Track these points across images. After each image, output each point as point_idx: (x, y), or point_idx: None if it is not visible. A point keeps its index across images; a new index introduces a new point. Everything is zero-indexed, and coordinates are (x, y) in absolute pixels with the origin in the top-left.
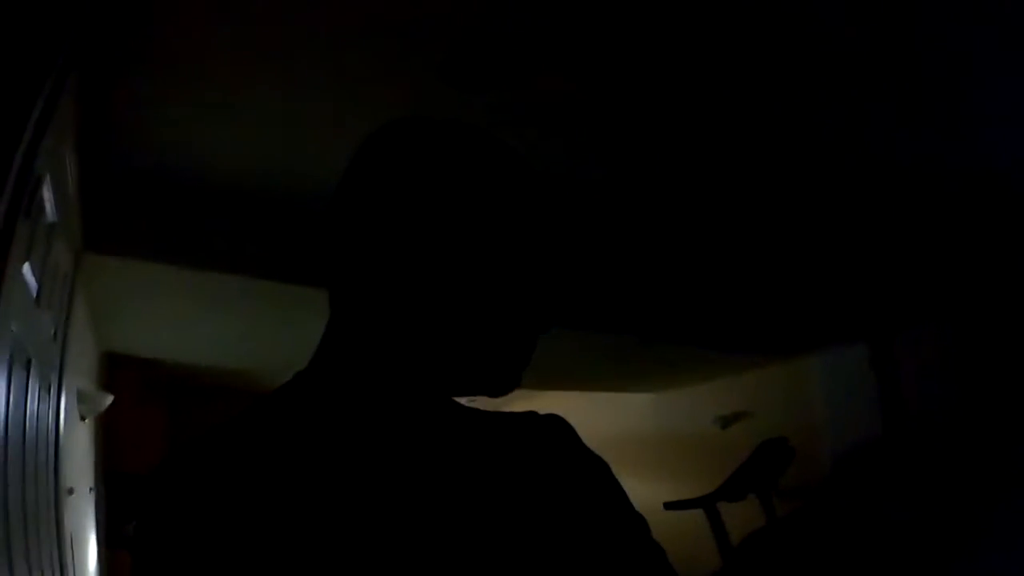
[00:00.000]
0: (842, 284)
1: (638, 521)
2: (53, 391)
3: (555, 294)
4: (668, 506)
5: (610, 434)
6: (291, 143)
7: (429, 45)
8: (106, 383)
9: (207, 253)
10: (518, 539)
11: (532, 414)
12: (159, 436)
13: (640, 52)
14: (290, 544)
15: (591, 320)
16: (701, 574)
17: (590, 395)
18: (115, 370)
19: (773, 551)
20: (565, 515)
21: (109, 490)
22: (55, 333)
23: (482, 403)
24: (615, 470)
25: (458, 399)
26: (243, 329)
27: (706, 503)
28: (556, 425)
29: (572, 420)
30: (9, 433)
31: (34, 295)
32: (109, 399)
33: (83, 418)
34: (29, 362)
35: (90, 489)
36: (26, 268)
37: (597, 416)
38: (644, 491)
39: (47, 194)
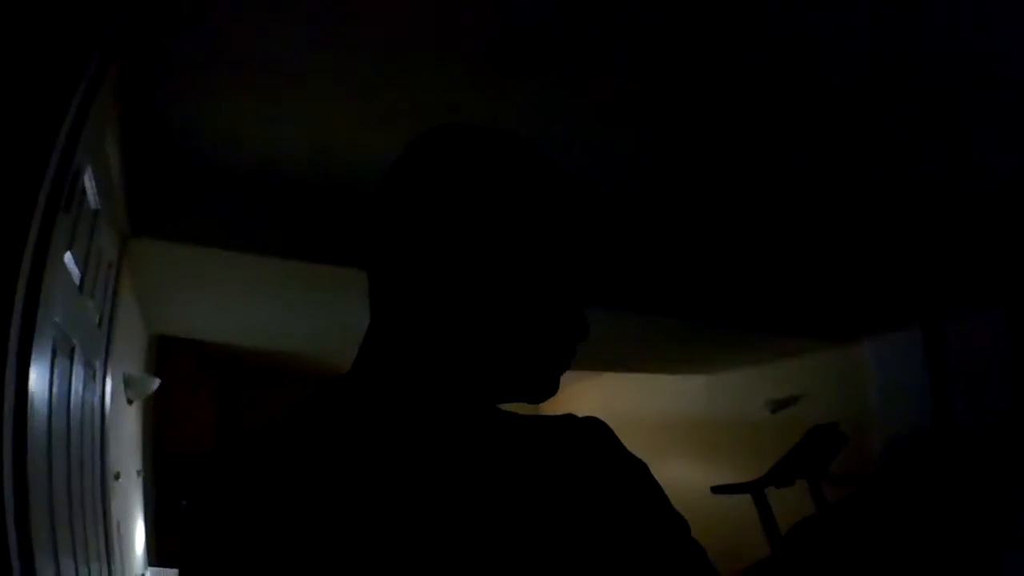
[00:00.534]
0: (896, 267)
1: (679, 522)
2: (99, 377)
3: (591, 301)
4: (716, 490)
5: (660, 416)
6: (338, 130)
7: (477, 30)
8: (156, 366)
9: (253, 237)
10: (559, 542)
11: (571, 417)
12: (210, 417)
13: (686, 47)
14: (332, 545)
15: (644, 302)
16: (748, 561)
17: (641, 377)
18: (166, 353)
19: (822, 540)
20: (605, 518)
21: (159, 472)
22: (100, 319)
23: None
24: (664, 452)
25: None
26: (288, 312)
27: (754, 488)
28: (595, 428)
29: (623, 402)
30: (53, 421)
31: (78, 283)
32: (156, 383)
33: (130, 402)
34: (73, 350)
35: (138, 472)
36: (68, 257)
37: (647, 398)
38: (693, 474)
39: (88, 183)
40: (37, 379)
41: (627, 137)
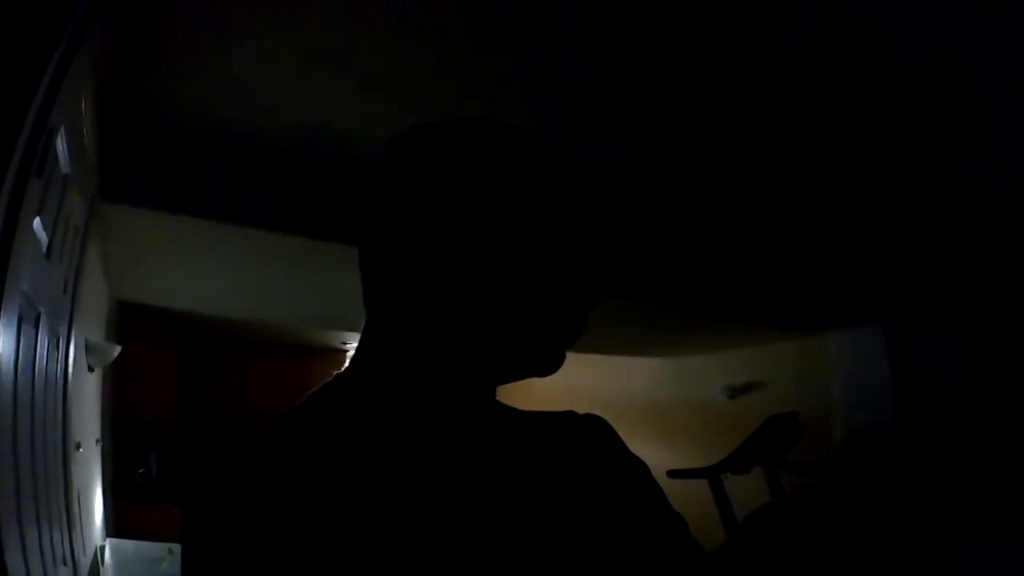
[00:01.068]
0: (863, 264)
1: (678, 522)
2: (62, 346)
3: (599, 269)
4: (672, 474)
5: (618, 398)
6: (313, 100)
7: (463, 6)
8: (118, 331)
9: (222, 205)
10: (558, 540)
11: (571, 414)
12: (171, 384)
13: (672, 28)
14: (335, 542)
15: (607, 284)
16: (705, 547)
17: (599, 358)
18: (128, 318)
19: (780, 529)
20: (604, 516)
21: (118, 438)
22: (65, 285)
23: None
24: (620, 434)
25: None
26: (256, 281)
27: (711, 474)
28: (596, 426)
29: (581, 383)
30: (19, 392)
31: (45, 249)
32: (118, 350)
33: (91, 370)
34: (39, 318)
35: (96, 441)
36: (36, 223)
37: (606, 379)
38: (649, 457)
39: (61, 146)
40: (3, 350)
41: (601, 124)
